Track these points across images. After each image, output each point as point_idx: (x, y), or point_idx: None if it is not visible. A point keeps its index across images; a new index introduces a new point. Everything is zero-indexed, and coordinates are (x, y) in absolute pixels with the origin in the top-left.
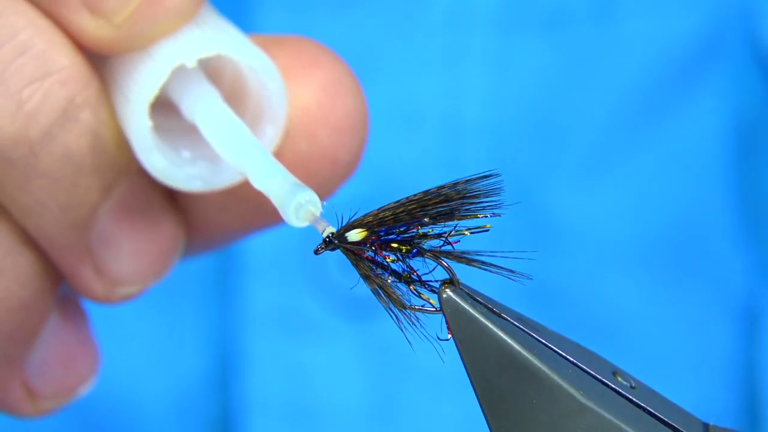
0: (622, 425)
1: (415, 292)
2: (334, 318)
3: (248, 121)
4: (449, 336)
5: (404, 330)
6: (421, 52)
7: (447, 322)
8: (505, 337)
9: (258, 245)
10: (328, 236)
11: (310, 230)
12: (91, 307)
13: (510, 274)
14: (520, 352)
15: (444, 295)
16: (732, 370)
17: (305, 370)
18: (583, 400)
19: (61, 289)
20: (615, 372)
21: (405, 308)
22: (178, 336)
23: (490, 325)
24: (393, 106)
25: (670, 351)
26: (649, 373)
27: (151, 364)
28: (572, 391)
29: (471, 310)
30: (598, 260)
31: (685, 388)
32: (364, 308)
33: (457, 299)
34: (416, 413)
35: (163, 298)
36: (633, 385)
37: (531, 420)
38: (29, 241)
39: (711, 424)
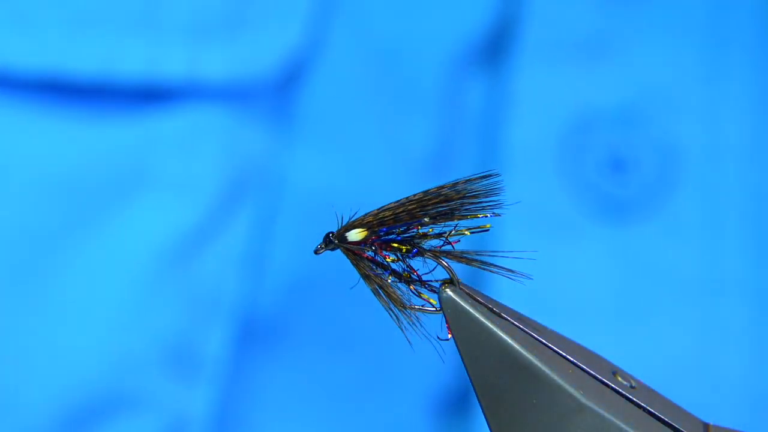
0: (622, 425)
1: (415, 291)
2: (586, 218)
3: None
4: (449, 336)
5: (404, 330)
6: None
7: (447, 322)
8: (505, 337)
9: (515, 139)
10: (328, 235)
11: (567, 132)
12: None
13: (510, 273)
14: (520, 352)
15: (444, 295)
16: None
17: (554, 265)
18: (583, 400)
19: None
20: (615, 372)
21: (405, 308)
22: None
23: (490, 325)
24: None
25: None
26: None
27: None
28: (572, 391)
29: (471, 310)
30: None
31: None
32: (617, 212)
33: (457, 299)
34: (662, 318)
35: None
36: (633, 385)
37: (531, 420)
38: None
39: (711, 424)
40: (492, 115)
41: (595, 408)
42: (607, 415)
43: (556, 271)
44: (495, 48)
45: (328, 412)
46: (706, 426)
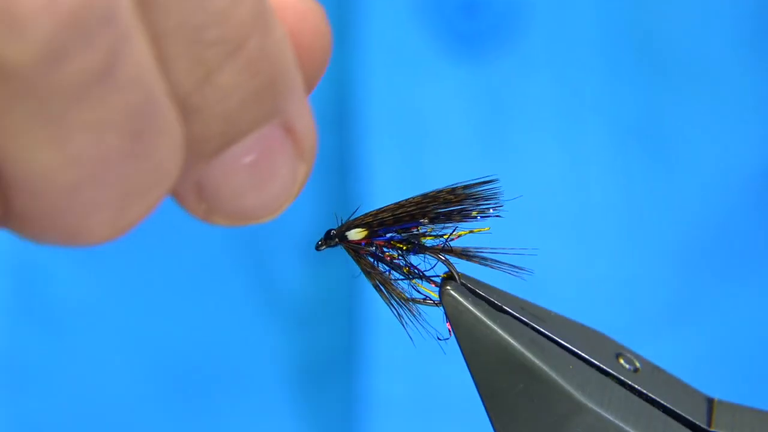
0: (622, 425)
1: (415, 287)
2: (443, 57)
3: None
4: (450, 334)
5: (405, 325)
6: None
7: (448, 319)
8: (505, 335)
9: None
10: (329, 232)
11: None
12: None
13: (512, 269)
14: (520, 351)
15: (444, 291)
16: None
17: (415, 105)
18: (583, 399)
19: None
20: (619, 354)
21: (407, 301)
22: None
23: (490, 323)
24: None
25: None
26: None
27: None
28: (572, 390)
29: (471, 307)
30: None
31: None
32: (472, 50)
33: (458, 296)
34: (524, 150)
35: None
36: (636, 367)
37: (531, 418)
38: None
39: (716, 399)
40: None
41: (595, 408)
42: (606, 415)
43: (418, 112)
44: None
45: None
46: (710, 401)
